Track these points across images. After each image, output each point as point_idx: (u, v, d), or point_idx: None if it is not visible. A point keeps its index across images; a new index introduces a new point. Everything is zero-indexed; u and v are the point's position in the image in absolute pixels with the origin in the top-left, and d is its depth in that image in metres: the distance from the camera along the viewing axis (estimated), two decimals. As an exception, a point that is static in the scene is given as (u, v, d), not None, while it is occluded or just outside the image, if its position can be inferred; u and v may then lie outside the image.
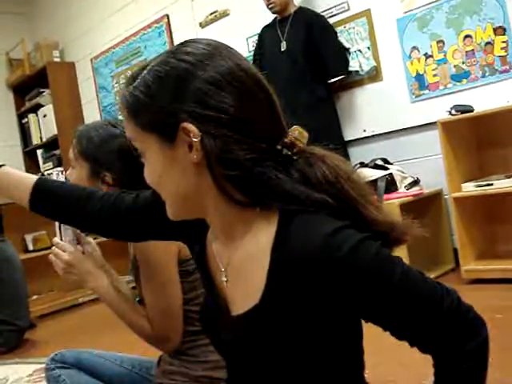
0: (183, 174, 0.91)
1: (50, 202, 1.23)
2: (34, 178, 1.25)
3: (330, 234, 0.83)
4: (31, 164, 6.65)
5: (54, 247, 1.63)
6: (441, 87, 3.50)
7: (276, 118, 0.93)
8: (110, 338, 2.68)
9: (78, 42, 6.17)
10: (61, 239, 1.62)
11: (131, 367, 1.82)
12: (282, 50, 3.81)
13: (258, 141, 0.89)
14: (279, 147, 0.91)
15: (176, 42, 5.06)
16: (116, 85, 5.75)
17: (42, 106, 6.35)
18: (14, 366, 3.21)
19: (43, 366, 1.96)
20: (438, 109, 3.37)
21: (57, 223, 1.64)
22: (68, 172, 1.71)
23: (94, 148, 1.61)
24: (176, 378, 1.58)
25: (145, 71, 0.92)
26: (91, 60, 6.03)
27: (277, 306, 0.89)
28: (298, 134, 0.94)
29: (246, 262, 0.94)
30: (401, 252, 3.39)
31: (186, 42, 0.94)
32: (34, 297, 4.20)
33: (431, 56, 3.52)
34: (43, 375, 2.00)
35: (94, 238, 1.75)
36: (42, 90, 6.33)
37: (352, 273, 0.83)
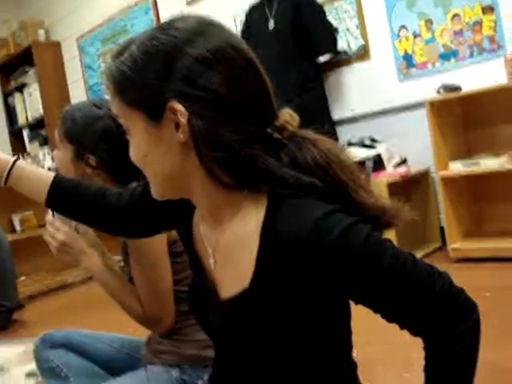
0: (169, 154, 0.89)
1: (67, 201, 1.23)
2: (50, 175, 1.23)
3: (321, 217, 0.82)
4: (17, 144, 6.60)
5: (47, 226, 1.62)
6: (429, 66, 3.50)
7: (267, 100, 0.91)
8: (100, 319, 2.69)
9: (64, 21, 6.09)
10: (53, 216, 1.62)
11: (121, 347, 1.82)
12: (270, 28, 3.79)
13: (247, 123, 0.87)
14: (269, 130, 0.89)
15: (162, 20, 5.00)
16: (102, 64, 5.70)
17: (28, 85, 6.29)
18: (2, 347, 3.20)
19: (32, 346, 1.97)
20: (426, 88, 3.37)
21: None
22: (54, 153, 1.70)
23: (77, 130, 1.59)
24: (166, 357, 1.58)
25: (133, 46, 0.88)
26: (77, 39, 5.96)
27: (266, 290, 0.88)
28: (288, 117, 0.92)
29: (234, 245, 0.93)
30: (388, 230, 3.38)
31: (176, 17, 0.91)
32: (22, 277, 4.19)
33: (419, 35, 3.51)
34: (32, 355, 2.00)
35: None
36: (27, 68, 6.26)
37: (343, 256, 0.82)
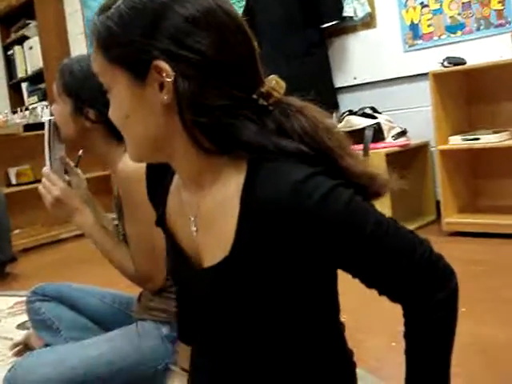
0: (151, 115, 0.86)
1: None
2: None
3: (301, 180, 0.81)
4: (16, 97, 6.55)
5: (43, 179, 1.61)
6: (435, 38, 3.46)
7: (254, 66, 0.90)
8: (92, 274, 2.70)
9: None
10: (51, 168, 1.62)
11: (112, 302, 1.84)
12: (275, -8, 3.72)
13: (232, 87, 0.85)
14: (255, 96, 0.87)
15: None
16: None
17: (28, 38, 6.21)
18: (-5, 298, 3.23)
19: (24, 298, 1.98)
20: (431, 60, 3.33)
21: (47, 152, 1.63)
22: (52, 107, 1.68)
23: (76, 83, 1.57)
24: (156, 313, 1.60)
25: (120, 1, 0.85)
26: (79, -8, 5.87)
27: (247, 257, 0.87)
28: (274, 83, 0.90)
29: (215, 211, 0.91)
30: (383, 201, 3.41)
31: None
32: (17, 231, 4.19)
33: (427, 5, 3.46)
34: (24, 308, 2.02)
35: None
36: (28, 21, 6.18)
37: (323, 221, 0.81)
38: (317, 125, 0.88)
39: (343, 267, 0.88)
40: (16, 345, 2.06)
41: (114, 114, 0.91)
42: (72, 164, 1.71)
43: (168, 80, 0.82)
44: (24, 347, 2.03)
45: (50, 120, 1.64)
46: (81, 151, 1.73)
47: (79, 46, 5.94)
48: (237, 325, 0.97)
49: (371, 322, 2.05)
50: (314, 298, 0.95)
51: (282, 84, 0.92)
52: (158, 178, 1.02)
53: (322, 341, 0.99)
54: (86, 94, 1.54)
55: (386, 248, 0.84)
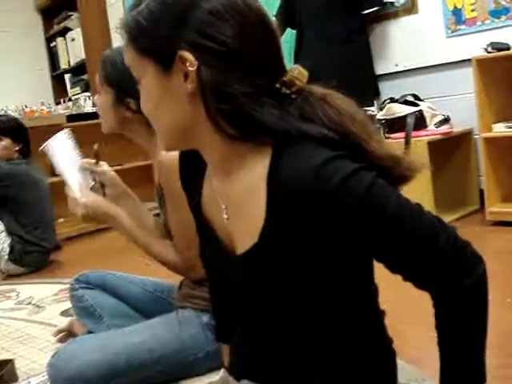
0: (178, 104, 0.90)
1: None
2: None
3: (320, 164, 0.83)
4: (59, 88, 6.66)
5: (68, 199, 1.65)
6: (478, 23, 3.38)
7: (276, 57, 0.92)
8: (134, 262, 2.73)
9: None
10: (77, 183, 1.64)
11: (153, 290, 1.86)
12: (316, -22, 3.69)
13: (255, 77, 0.88)
14: (278, 85, 0.90)
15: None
16: (145, 10, 5.66)
17: (71, 29, 6.29)
18: (39, 286, 3.30)
19: (68, 286, 2.02)
20: (474, 45, 3.25)
21: (63, 172, 1.65)
22: (95, 98, 1.71)
23: (117, 74, 1.59)
24: (197, 301, 1.61)
25: None
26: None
27: (276, 242, 0.89)
28: (297, 73, 0.92)
29: (243, 198, 0.94)
30: (426, 190, 3.37)
31: None
32: (61, 220, 4.26)
33: (470, -11, 3.38)
34: (67, 295, 2.06)
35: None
36: (70, 13, 6.26)
37: (344, 204, 0.82)
38: (339, 111, 0.90)
39: (367, 251, 0.89)
40: (60, 331, 2.10)
41: (144, 104, 0.95)
42: (93, 162, 1.73)
43: (191, 69, 0.86)
44: (67, 334, 2.07)
45: (60, 137, 1.67)
46: (96, 145, 1.73)
47: (120, 37, 5.99)
48: (274, 310, 0.97)
49: (411, 313, 2.02)
50: (347, 282, 0.95)
51: (305, 73, 0.94)
52: (192, 168, 1.04)
53: (360, 326, 0.99)
54: (126, 85, 1.56)
55: (407, 232, 0.85)
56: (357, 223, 0.84)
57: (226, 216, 0.99)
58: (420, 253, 0.85)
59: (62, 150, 1.68)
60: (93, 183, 1.69)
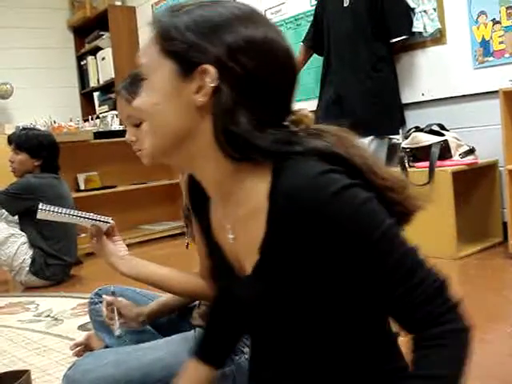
0: (181, 110, 0.90)
1: None
2: None
3: (317, 174, 0.83)
4: (87, 106, 6.76)
5: None
6: (506, 55, 3.37)
7: (291, 97, 0.94)
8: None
9: (141, -14, 6.17)
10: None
11: (171, 308, 1.86)
12: (345, 5, 3.72)
13: (266, 110, 0.89)
14: (286, 123, 0.92)
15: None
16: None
17: (101, 48, 6.41)
18: (59, 299, 3.33)
19: (87, 300, 2.03)
20: (501, 77, 3.25)
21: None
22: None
23: None
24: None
25: (192, 6, 0.91)
26: (152, 5, 6.02)
27: (276, 255, 0.89)
28: (306, 113, 0.95)
29: (248, 216, 0.93)
30: (448, 221, 3.31)
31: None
32: (83, 235, 4.29)
33: (499, 22, 3.38)
34: (86, 309, 2.07)
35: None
36: (101, 32, 6.38)
37: (333, 217, 0.82)
38: (343, 142, 0.91)
39: (349, 271, 0.87)
40: (77, 345, 2.11)
41: (144, 99, 0.94)
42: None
43: (210, 84, 0.87)
44: (84, 347, 2.08)
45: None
46: (111, 220, 1.74)
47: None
48: (286, 328, 0.97)
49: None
50: (353, 298, 0.93)
51: (311, 116, 0.96)
52: (201, 190, 1.02)
53: (370, 345, 0.97)
54: None
55: (387, 263, 0.83)
56: (341, 239, 0.83)
57: (231, 236, 0.98)
58: (394, 287, 0.83)
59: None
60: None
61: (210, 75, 0.86)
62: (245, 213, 0.93)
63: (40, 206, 1.66)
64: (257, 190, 0.91)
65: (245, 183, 0.92)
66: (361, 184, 0.85)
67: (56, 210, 1.67)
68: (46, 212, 1.66)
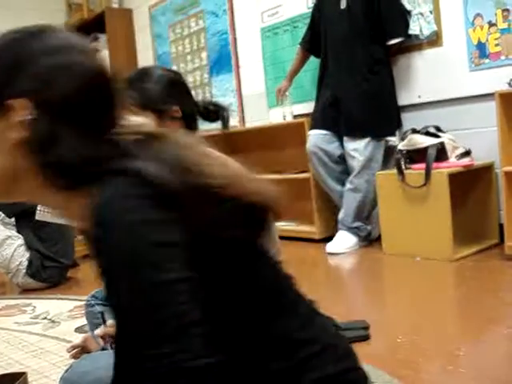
0: (2, 153, 0.87)
1: None
2: None
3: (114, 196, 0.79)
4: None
5: None
6: (502, 57, 3.38)
7: (111, 108, 0.91)
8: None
9: (138, -12, 6.18)
10: None
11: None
12: (342, 8, 3.73)
13: (87, 128, 0.86)
14: (111, 135, 0.89)
15: (235, -6, 5.02)
16: (172, 34, 5.75)
17: (98, 51, 6.40)
18: (55, 302, 3.33)
19: (84, 302, 2.03)
20: (497, 80, 3.26)
21: None
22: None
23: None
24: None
25: None
26: (149, 8, 6.03)
27: None
28: (134, 122, 0.94)
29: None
30: (444, 223, 3.33)
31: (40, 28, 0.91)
32: (79, 237, 4.30)
33: (495, 24, 3.39)
34: (83, 311, 2.07)
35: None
36: (98, 35, 6.38)
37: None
38: (175, 148, 0.88)
39: None
40: (74, 347, 2.11)
41: None
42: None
43: (20, 118, 0.84)
44: (81, 350, 2.07)
45: None
46: None
47: (147, 60, 6.09)
48: None
49: (426, 345, 2.00)
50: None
51: (143, 123, 0.96)
52: None
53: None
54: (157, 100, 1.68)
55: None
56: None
57: None
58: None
59: None
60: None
61: (17, 109, 0.84)
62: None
63: (39, 208, 1.67)
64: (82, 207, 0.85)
65: (73, 204, 0.89)
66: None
67: None
68: (44, 213, 1.67)
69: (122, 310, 0.75)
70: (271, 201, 0.90)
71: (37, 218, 1.71)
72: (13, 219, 3.71)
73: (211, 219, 0.83)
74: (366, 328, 2.09)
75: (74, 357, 2.06)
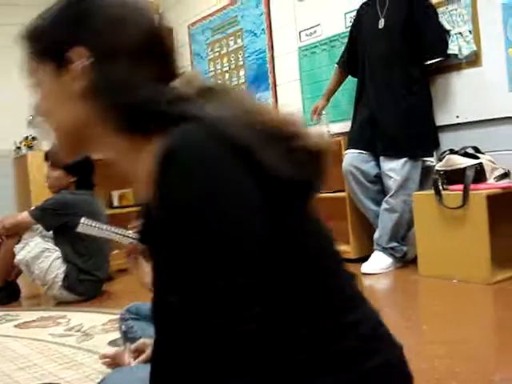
0: (69, 104, 0.90)
1: None
2: None
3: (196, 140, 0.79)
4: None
5: None
6: (544, 78, 3.33)
7: (172, 59, 0.96)
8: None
9: (177, 7, 6.25)
10: None
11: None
12: (380, 27, 3.73)
13: (147, 75, 0.89)
14: (173, 85, 0.91)
15: (273, 12, 5.05)
16: (211, 52, 5.82)
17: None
18: (90, 315, 3.36)
19: (118, 316, 2.05)
20: (539, 100, 3.21)
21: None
22: None
23: None
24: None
25: (52, 7, 0.93)
26: (188, 26, 6.11)
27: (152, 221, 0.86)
28: (193, 75, 0.96)
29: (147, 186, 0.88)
30: (482, 245, 3.27)
31: None
32: (115, 251, 4.35)
33: (537, 44, 3.35)
34: (116, 325, 2.09)
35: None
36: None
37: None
38: (237, 107, 0.88)
39: None
40: (105, 356, 2.12)
41: (39, 110, 0.95)
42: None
43: (80, 66, 0.87)
44: (112, 362, 2.08)
45: None
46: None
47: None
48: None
49: (460, 369, 1.96)
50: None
51: (199, 76, 0.96)
52: None
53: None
54: None
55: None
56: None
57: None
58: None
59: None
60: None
61: (79, 58, 0.87)
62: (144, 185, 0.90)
63: (82, 220, 1.70)
64: (150, 158, 0.84)
65: (142, 155, 0.89)
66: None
67: (97, 225, 1.71)
68: (86, 226, 1.69)
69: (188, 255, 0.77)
70: (324, 147, 0.90)
71: (78, 230, 1.74)
72: (51, 232, 3.78)
73: (275, 163, 0.82)
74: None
75: (105, 364, 2.07)
